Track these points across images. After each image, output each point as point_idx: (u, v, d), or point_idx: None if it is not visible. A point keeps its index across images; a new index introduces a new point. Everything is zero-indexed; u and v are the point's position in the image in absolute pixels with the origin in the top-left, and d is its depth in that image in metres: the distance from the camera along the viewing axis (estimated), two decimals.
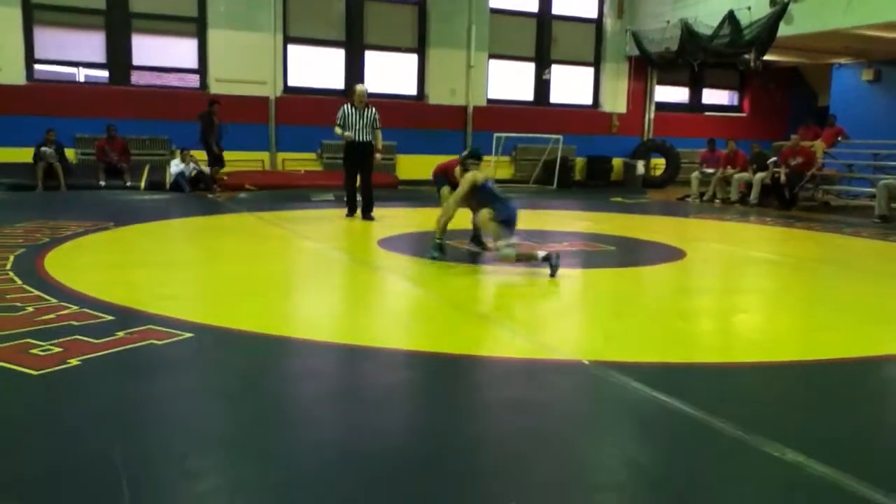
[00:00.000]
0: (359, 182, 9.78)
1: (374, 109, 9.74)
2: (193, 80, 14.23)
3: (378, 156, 9.82)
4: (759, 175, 13.11)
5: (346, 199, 9.99)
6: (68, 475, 2.54)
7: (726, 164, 13.84)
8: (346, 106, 9.72)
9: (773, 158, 13.45)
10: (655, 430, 3.11)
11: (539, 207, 11.04)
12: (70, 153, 12.84)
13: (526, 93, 17.06)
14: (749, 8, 13.66)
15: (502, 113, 16.35)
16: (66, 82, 13.55)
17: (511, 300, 5.81)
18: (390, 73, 15.65)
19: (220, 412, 3.20)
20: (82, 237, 7.58)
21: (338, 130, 9.67)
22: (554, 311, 5.26)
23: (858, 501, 2.47)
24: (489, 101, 16.43)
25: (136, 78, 13.88)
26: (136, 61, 13.77)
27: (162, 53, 14.13)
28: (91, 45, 13.59)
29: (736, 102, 19.68)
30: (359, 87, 9.89)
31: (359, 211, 9.79)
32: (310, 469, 2.64)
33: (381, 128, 9.81)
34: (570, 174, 16.50)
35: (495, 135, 15.50)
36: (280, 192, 12.65)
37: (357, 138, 9.57)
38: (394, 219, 9.91)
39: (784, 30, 13.22)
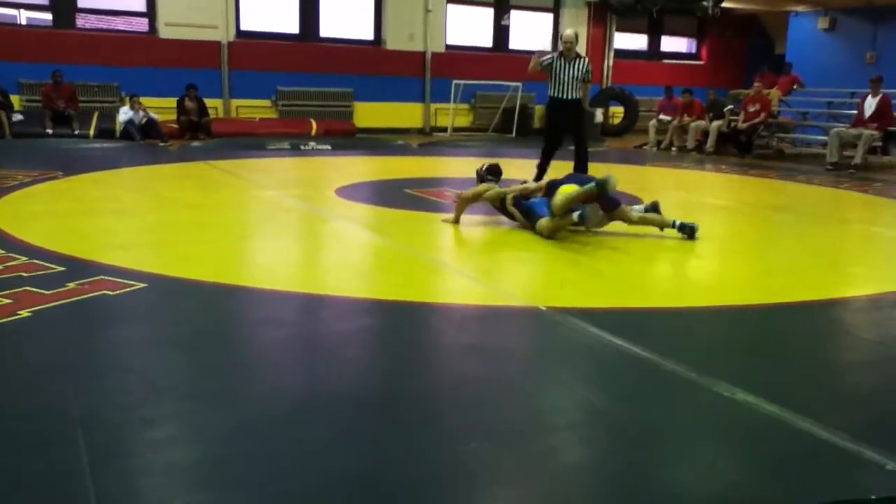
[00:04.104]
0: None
1: (586, 60, 8.13)
2: (142, 24, 13.73)
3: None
4: (716, 123, 13.23)
5: (539, 163, 8.55)
6: (22, 425, 2.51)
7: (683, 112, 13.92)
8: (553, 54, 8.06)
9: (730, 106, 13.55)
10: (611, 373, 3.18)
11: (498, 155, 10.98)
12: (14, 100, 12.37)
13: (485, 39, 16.86)
14: None
15: (461, 59, 16.11)
16: (7, 24, 12.97)
17: (469, 248, 5.83)
18: (346, 16, 15.28)
19: (177, 361, 3.17)
20: (29, 187, 7.37)
21: (536, 61, 8.07)
22: (511, 259, 5.28)
23: (804, 437, 2.56)
24: (448, 46, 16.19)
25: (82, 21, 13.33)
26: (81, 3, 13.20)
27: None
28: None
29: (694, 50, 19.71)
30: (567, 31, 8.16)
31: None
32: (266, 414, 2.63)
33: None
34: (530, 122, 16.42)
35: (454, 82, 15.29)
36: (234, 140, 12.37)
37: (564, 95, 8.06)
38: (351, 167, 9.82)
39: None
